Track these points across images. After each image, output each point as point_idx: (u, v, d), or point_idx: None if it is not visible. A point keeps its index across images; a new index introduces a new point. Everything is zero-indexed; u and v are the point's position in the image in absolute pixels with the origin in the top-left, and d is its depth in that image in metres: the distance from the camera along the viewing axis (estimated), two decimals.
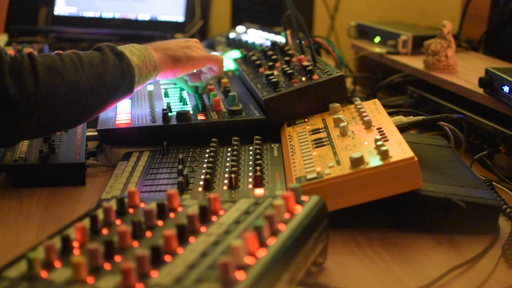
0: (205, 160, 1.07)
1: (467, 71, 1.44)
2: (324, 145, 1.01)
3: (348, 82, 1.76)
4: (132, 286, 0.59)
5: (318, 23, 2.20)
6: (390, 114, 1.11)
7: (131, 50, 1.09)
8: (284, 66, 1.29)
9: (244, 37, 1.82)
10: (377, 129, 1.00)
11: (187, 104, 1.26)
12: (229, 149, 1.11)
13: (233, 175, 0.96)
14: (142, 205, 0.80)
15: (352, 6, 2.33)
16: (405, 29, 1.73)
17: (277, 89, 1.19)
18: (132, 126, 1.16)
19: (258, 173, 0.97)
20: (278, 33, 1.73)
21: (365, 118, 1.04)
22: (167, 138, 1.14)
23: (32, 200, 1.01)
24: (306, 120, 1.16)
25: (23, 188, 1.05)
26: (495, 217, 0.92)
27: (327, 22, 2.22)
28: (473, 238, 0.90)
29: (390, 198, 0.88)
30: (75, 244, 0.69)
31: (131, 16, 2.13)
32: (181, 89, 1.34)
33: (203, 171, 1.02)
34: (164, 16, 2.13)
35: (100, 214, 0.76)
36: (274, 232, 0.68)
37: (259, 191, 0.94)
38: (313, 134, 1.08)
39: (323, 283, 0.72)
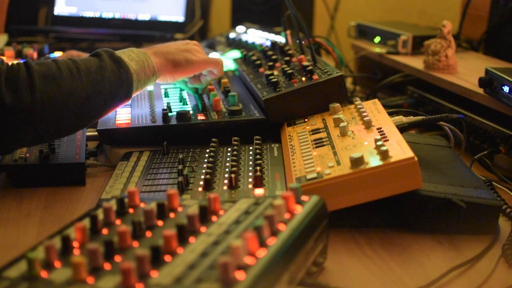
0: (205, 160, 1.07)
1: (467, 71, 1.44)
2: (324, 145, 1.01)
3: (348, 82, 1.76)
4: (132, 286, 0.59)
5: (318, 23, 2.21)
6: (390, 114, 1.11)
7: (129, 55, 1.08)
8: (284, 66, 1.29)
9: (244, 37, 1.82)
10: (377, 129, 1.00)
11: (187, 104, 1.26)
12: (229, 149, 1.11)
13: (233, 175, 0.96)
14: (142, 205, 0.80)
15: (352, 6, 2.33)
16: (405, 29, 1.73)
17: (277, 89, 1.19)
18: (132, 126, 1.16)
19: (258, 173, 0.97)
20: (278, 33, 1.73)
21: (365, 118, 1.04)
22: (167, 138, 1.14)
23: (32, 200, 1.01)
24: (306, 120, 1.16)
25: (23, 188, 1.05)
26: (495, 217, 0.92)
27: (327, 22, 2.22)
28: (473, 238, 0.90)
29: (390, 198, 0.88)
30: (75, 244, 0.70)
31: (131, 16, 2.13)
32: (181, 89, 1.34)
33: (203, 171, 1.02)
34: (164, 16, 2.13)
35: (100, 214, 0.76)
36: (274, 232, 0.68)
37: (259, 191, 0.94)
38: (313, 134, 1.08)
39: (323, 283, 0.72)
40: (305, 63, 1.24)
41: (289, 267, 0.66)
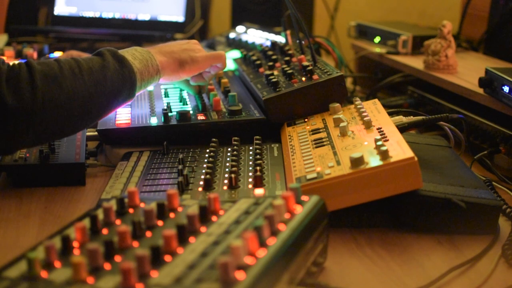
0: (205, 160, 1.07)
1: (467, 71, 1.44)
2: (324, 145, 1.01)
3: (348, 82, 1.76)
4: (132, 286, 0.59)
5: (318, 23, 2.20)
6: (390, 114, 1.11)
7: (133, 54, 1.08)
8: (284, 66, 1.29)
9: (244, 37, 1.82)
10: (377, 129, 1.00)
11: (187, 104, 1.26)
12: (229, 149, 1.11)
13: (233, 175, 0.96)
14: (142, 205, 0.80)
15: (352, 6, 2.33)
16: (405, 29, 1.73)
17: (277, 89, 1.19)
18: (132, 126, 1.16)
19: (258, 173, 0.97)
20: (278, 33, 1.73)
21: (365, 118, 1.04)
22: (167, 138, 1.14)
23: (32, 200, 1.01)
24: (306, 120, 1.16)
25: (23, 188, 1.05)
26: (495, 217, 0.92)
27: (327, 22, 2.22)
28: (473, 238, 0.90)
29: (390, 198, 0.88)
30: (75, 244, 0.69)
31: (131, 16, 2.13)
32: (181, 89, 1.34)
33: (203, 171, 1.02)
34: (164, 16, 2.13)
35: (100, 214, 0.76)
36: (274, 232, 0.68)
37: (259, 191, 0.94)
38: (313, 134, 1.08)
39: (323, 283, 0.72)
40: (305, 63, 1.24)
41: (289, 267, 0.66)
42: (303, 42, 1.38)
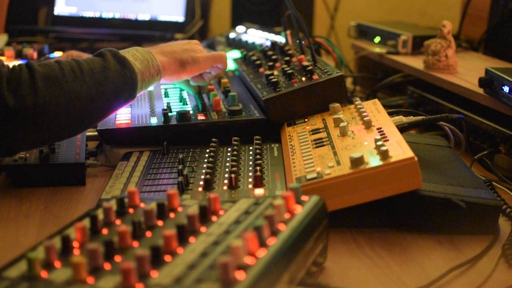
0: (205, 160, 1.07)
1: (467, 71, 1.44)
2: (324, 145, 1.01)
3: (348, 82, 1.76)
4: (132, 286, 0.59)
5: (318, 23, 2.20)
6: (390, 114, 1.11)
7: (134, 55, 1.08)
8: (284, 66, 1.29)
9: (244, 37, 1.82)
10: (377, 129, 1.00)
11: (187, 104, 1.26)
12: (229, 149, 1.11)
13: (233, 175, 0.96)
14: (142, 205, 0.80)
15: (352, 6, 2.33)
16: (405, 29, 1.73)
17: (277, 89, 1.19)
18: (132, 126, 1.16)
19: (258, 173, 0.97)
20: (278, 33, 1.73)
21: (365, 118, 1.04)
22: (167, 138, 1.14)
23: (32, 200, 1.01)
24: (306, 120, 1.16)
25: (23, 188, 1.05)
26: (495, 217, 0.92)
27: (327, 22, 2.22)
28: (473, 238, 0.90)
29: (390, 198, 0.88)
30: (75, 244, 0.70)
31: (131, 16, 2.13)
32: (181, 89, 1.34)
33: (203, 171, 1.02)
34: (164, 16, 2.13)
35: (100, 214, 0.76)
36: (274, 232, 0.68)
37: (259, 191, 0.94)
38: (313, 134, 1.08)
39: (323, 283, 0.72)
40: (305, 63, 1.24)
41: (289, 267, 0.66)
42: (303, 42, 1.38)
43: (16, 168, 1.04)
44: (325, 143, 1.02)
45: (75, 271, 0.62)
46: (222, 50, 1.79)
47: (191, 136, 1.17)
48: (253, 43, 1.72)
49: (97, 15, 2.14)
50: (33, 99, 0.91)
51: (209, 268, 0.62)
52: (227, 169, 1.02)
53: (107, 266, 0.64)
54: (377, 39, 1.79)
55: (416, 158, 0.87)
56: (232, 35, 1.89)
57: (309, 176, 0.91)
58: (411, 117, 1.11)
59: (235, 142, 1.11)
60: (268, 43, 1.59)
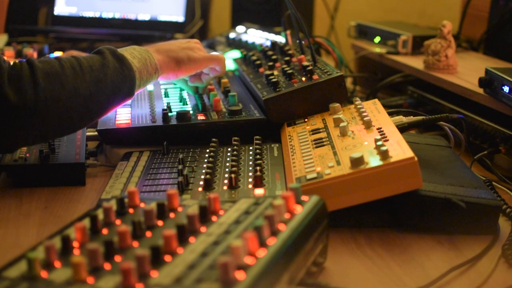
0: (205, 160, 1.07)
1: (467, 71, 1.44)
2: (324, 145, 1.01)
3: (348, 82, 1.76)
4: (132, 286, 0.59)
5: (318, 23, 2.20)
6: (390, 114, 1.11)
7: (132, 53, 1.08)
8: (284, 66, 1.29)
9: (244, 37, 1.82)
10: (377, 129, 1.00)
11: (187, 104, 1.26)
12: (229, 149, 1.11)
13: (233, 175, 0.96)
14: (142, 205, 0.80)
15: (352, 6, 2.33)
16: (405, 29, 1.73)
17: (277, 89, 1.19)
18: (132, 126, 1.16)
19: (258, 173, 0.97)
20: (278, 33, 1.73)
21: (365, 118, 1.04)
22: (167, 138, 1.14)
23: (32, 200, 1.01)
24: (306, 120, 1.16)
25: (23, 188, 1.05)
26: (495, 217, 0.92)
27: (327, 22, 2.22)
28: (473, 238, 0.90)
29: (390, 198, 0.88)
30: (75, 244, 0.69)
31: (131, 16, 2.13)
32: (181, 89, 1.34)
33: (203, 171, 1.02)
34: (164, 16, 2.13)
35: (100, 214, 0.76)
36: (274, 232, 0.68)
37: (259, 191, 0.94)
38: (313, 134, 1.08)
39: (323, 283, 0.72)
40: (305, 63, 1.24)
41: (289, 267, 0.66)
42: (303, 42, 1.38)
43: (16, 168, 1.04)
44: (325, 143, 1.02)
45: (75, 271, 0.62)
46: (222, 50, 1.79)
47: (191, 136, 1.17)
48: (253, 43, 1.72)
49: (97, 15, 2.14)
50: (34, 95, 0.92)
51: (209, 268, 0.62)
52: (227, 169, 1.02)
53: (107, 266, 0.64)
54: (377, 39, 1.79)
55: (416, 158, 0.87)
56: (232, 35, 1.89)
57: (309, 176, 0.91)
58: (411, 117, 1.11)
59: (235, 142, 1.11)
60: (268, 43, 1.59)
